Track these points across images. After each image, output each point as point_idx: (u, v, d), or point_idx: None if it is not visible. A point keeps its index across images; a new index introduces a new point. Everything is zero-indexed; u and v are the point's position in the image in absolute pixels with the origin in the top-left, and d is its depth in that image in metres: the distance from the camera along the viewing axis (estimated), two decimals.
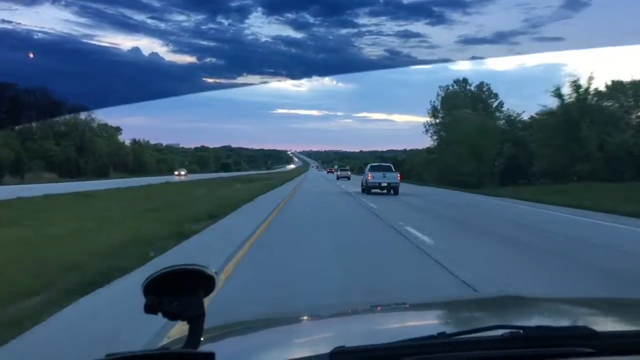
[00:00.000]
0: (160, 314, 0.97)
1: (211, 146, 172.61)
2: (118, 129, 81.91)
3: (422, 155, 64.44)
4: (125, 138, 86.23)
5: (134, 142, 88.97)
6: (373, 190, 26.93)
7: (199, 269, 0.98)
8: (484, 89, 60.45)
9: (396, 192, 27.02)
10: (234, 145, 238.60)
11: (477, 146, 41.40)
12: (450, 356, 1.05)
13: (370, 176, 27.34)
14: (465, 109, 49.40)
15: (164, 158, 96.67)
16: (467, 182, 39.73)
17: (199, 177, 56.91)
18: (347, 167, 71.62)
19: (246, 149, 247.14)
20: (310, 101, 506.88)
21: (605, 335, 1.12)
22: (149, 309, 0.96)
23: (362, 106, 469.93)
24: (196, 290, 0.98)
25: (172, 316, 0.97)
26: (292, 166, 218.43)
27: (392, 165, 29.57)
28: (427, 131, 60.34)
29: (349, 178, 57.59)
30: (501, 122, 55.04)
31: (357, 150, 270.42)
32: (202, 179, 51.88)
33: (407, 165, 66.61)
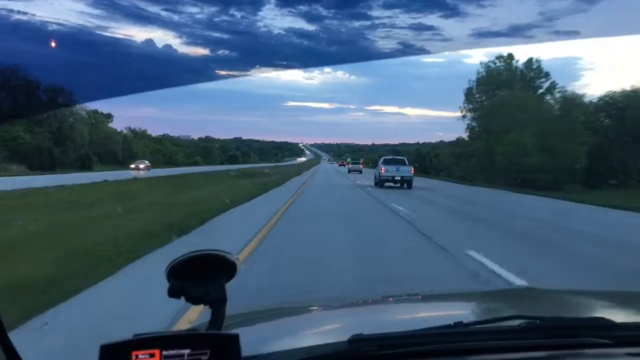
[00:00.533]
0: (183, 298, 0.98)
1: (222, 138, 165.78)
2: (109, 116, 72.13)
3: (457, 147, 52.55)
4: (125, 127, 78.76)
5: (130, 130, 79.07)
6: (387, 184, 26.36)
7: (222, 255, 0.98)
8: (533, 66, 49.35)
9: (410, 186, 26.44)
10: (244, 137, 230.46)
11: (548, 134, 30.73)
12: (468, 345, 1.06)
13: (383, 169, 26.79)
14: (504, 90, 39.24)
15: (160, 149, 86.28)
16: (533, 180, 29.29)
17: (186, 171, 44.44)
18: (360, 161, 69.18)
19: (257, 141, 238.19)
20: (323, 94, 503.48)
21: (622, 327, 1.12)
22: (173, 292, 0.97)
23: (374, 99, 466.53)
24: (218, 276, 0.98)
25: (195, 300, 0.98)
26: (302, 159, 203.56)
27: (405, 159, 28.91)
28: (463, 117, 49.26)
29: (360, 171, 56.63)
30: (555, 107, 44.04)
31: (370, 143, 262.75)
32: (184, 173, 39.67)
33: (433, 160, 57.10)
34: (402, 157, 30.30)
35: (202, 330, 0.92)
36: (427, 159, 58.36)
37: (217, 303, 0.98)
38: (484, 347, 1.06)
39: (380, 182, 26.89)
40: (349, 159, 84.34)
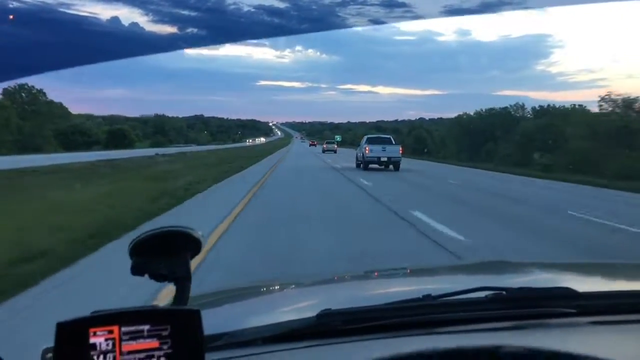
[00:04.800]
0: (147, 276, 0.98)
1: (181, 116, 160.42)
2: None
3: None
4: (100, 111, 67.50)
5: None
6: (371, 166, 25.57)
7: (186, 231, 0.98)
8: None
9: (397, 168, 25.71)
10: (207, 115, 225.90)
11: None
12: (435, 317, 1.11)
13: (367, 149, 25.59)
14: None
15: None
16: None
17: None
18: (334, 141, 70.24)
19: (220, 119, 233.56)
20: (294, 73, 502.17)
21: (585, 296, 1.17)
22: (136, 270, 0.98)
23: (346, 78, 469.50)
24: (182, 253, 0.99)
25: (159, 278, 0.99)
26: (261, 139, 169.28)
27: (392, 138, 28.04)
28: None
29: (335, 151, 56.91)
30: None
31: (345, 121, 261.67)
32: None
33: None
34: (388, 136, 29.20)
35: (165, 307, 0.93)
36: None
37: (182, 280, 0.99)
38: (450, 318, 1.11)
39: (364, 164, 25.93)
40: (337, 138, 79.72)
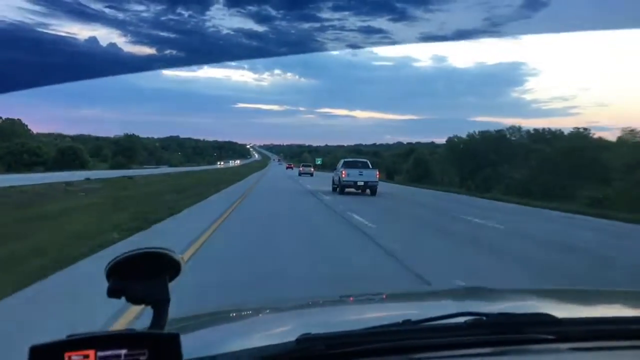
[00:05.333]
0: (124, 298, 0.96)
1: (156, 137, 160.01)
2: None
3: None
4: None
5: None
6: (347, 190, 25.16)
7: (165, 253, 0.97)
8: None
9: (373, 193, 25.14)
10: (182, 136, 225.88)
11: None
12: (415, 342, 1.11)
13: (344, 173, 25.27)
14: None
15: None
16: None
17: None
18: (310, 164, 70.31)
19: (197, 140, 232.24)
20: (273, 96, 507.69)
21: (566, 322, 1.18)
22: (113, 293, 0.95)
23: (324, 102, 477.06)
24: (161, 275, 0.97)
25: (136, 300, 0.97)
26: (237, 162, 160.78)
27: (368, 162, 27.95)
28: None
29: (311, 174, 57.09)
30: None
31: (323, 144, 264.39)
32: None
33: None
34: (365, 160, 28.99)
35: (143, 330, 0.91)
36: None
37: (160, 303, 0.96)
38: (430, 344, 1.10)
39: (340, 188, 25.47)
40: (318, 160, 76.67)
